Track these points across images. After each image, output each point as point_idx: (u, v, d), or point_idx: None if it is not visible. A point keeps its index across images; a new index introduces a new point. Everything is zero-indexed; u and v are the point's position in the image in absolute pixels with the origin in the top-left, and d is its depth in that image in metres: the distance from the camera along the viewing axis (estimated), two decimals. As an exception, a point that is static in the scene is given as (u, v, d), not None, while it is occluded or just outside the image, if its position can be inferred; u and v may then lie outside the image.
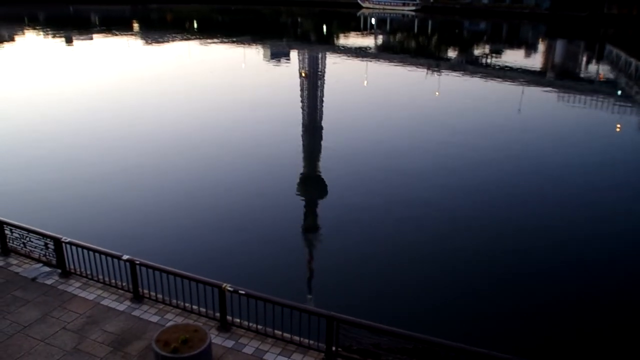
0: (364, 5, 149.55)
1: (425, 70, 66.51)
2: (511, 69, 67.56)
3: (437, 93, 51.94)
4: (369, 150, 32.28)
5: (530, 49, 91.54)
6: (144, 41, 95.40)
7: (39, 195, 25.19)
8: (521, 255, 20.15)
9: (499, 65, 71.35)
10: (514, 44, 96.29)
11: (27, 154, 31.68)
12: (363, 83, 57.80)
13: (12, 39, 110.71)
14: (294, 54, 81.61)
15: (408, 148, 33.18)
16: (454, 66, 70.48)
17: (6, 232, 15.86)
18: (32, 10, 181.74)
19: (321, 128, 39.07)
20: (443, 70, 66.53)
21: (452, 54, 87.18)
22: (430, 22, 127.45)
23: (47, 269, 15.06)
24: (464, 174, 28.47)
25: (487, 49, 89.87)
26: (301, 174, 28.73)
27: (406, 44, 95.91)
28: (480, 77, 61.50)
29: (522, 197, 25.85)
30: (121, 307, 13.35)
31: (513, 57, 78.47)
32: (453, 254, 19.93)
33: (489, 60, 77.10)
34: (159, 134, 36.45)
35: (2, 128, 38.00)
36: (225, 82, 56.39)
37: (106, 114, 41.80)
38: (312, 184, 27.55)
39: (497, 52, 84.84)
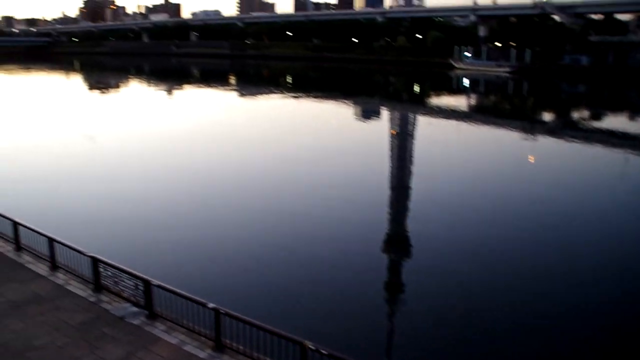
0: (457, 65, 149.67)
1: (520, 133, 65.07)
2: (614, 134, 64.49)
3: (531, 158, 50.14)
4: (458, 214, 31.53)
5: (637, 113, 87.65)
6: (239, 94, 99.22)
7: (133, 232, 26.32)
8: None
9: (600, 130, 68.71)
10: (618, 108, 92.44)
11: (123, 189, 33.45)
12: (454, 144, 57.05)
13: (117, 87, 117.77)
14: (384, 112, 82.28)
15: (497, 214, 32.12)
16: (550, 130, 68.64)
17: (100, 269, 16.51)
18: (139, 62, 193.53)
19: (409, 188, 38.74)
20: (539, 134, 64.87)
21: (548, 117, 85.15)
22: (525, 84, 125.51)
23: (135, 309, 15.47)
24: (562, 250, 27.22)
25: (586, 113, 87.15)
26: (387, 233, 28.42)
27: (500, 106, 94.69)
28: (579, 142, 59.41)
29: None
30: (202, 355, 13.43)
31: (616, 122, 75.57)
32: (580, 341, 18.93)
33: (588, 124, 74.53)
34: (245, 182, 37.46)
35: (98, 164, 40.31)
36: (315, 137, 57.27)
37: (198, 157, 43.51)
38: (397, 244, 27.20)
39: (597, 115, 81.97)
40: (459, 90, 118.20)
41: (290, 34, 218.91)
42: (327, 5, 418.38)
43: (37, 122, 66.41)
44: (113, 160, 44.23)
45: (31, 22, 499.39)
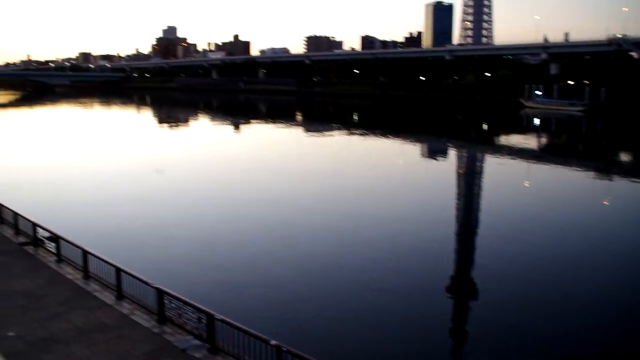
0: (527, 104, 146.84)
1: (594, 174, 62.92)
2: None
3: (606, 202, 48.20)
4: (526, 261, 30.41)
5: None
6: (305, 130, 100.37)
7: (199, 263, 26.74)
8: None
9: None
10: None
11: (191, 219, 34.18)
12: (523, 186, 55.56)
13: (186, 121, 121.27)
14: (452, 151, 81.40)
15: (567, 254, 30.92)
16: (628, 171, 66.17)
17: (165, 301, 16.72)
18: (208, 98, 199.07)
19: (475, 232, 37.79)
20: (614, 175, 62.57)
21: (626, 157, 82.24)
22: (600, 123, 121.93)
23: (197, 342, 15.52)
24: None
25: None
26: (451, 276, 27.78)
27: (573, 146, 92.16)
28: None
29: None
30: (263, 391, 13.32)
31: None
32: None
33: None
34: (310, 215, 37.65)
35: (167, 194, 41.36)
36: (380, 174, 57.05)
37: (264, 189, 44.07)
38: (461, 288, 26.54)
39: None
40: (529, 129, 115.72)
41: (357, 72, 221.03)
42: (395, 43, 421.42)
43: (109, 153, 69.02)
44: (181, 191, 45.63)
45: (106, 58, 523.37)
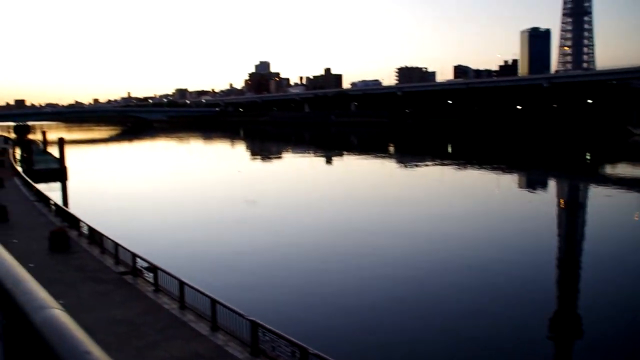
0: (635, 132, 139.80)
1: None
2: None
3: None
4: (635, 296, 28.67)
5: None
6: (398, 162, 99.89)
7: (295, 294, 26.82)
8: None
9: None
10: None
11: (285, 252, 34.35)
12: (634, 219, 52.52)
13: (278, 154, 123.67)
14: (553, 182, 78.46)
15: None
16: None
17: (259, 333, 16.80)
18: (300, 131, 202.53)
19: (579, 263, 35.98)
20: None
21: None
22: None
23: (291, 376, 15.46)
24: None
25: None
26: (554, 309, 26.50)
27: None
28: None
29: None
30: None
31: None
32: None
33: None
34: (400, 247, 36.97)
35: (260, 226, 41.95)
36: (475, 206, 55.66)
37: (359, 221, 43.88)
38: (561, 330, 25.24)
39: None
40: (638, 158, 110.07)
41: (450, 102, 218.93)
42: (489, 72, 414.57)
43: (205, 184, 71.31)
44: (273, 222, 46.28)
45: (202, 93, 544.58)
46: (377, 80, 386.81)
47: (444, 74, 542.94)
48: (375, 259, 34.36)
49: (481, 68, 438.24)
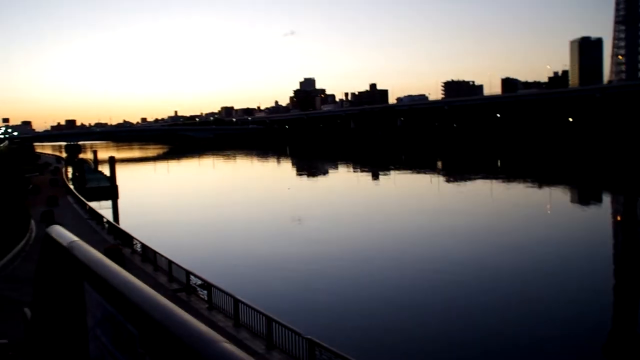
0: None
1: None
2: None
3: None
4: None
5: None
6: (446, 178, 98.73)
7: (350, 312, 26.57)
8: None
9: None
10: None
11: (340, 270, 34.13)
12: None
13: (325, 171, 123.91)
14: (609, 198, 76.12)
15: None
16: None
17: (315, 352, 16.64)
18: (346, 147, 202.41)
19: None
20: None
21: None
22: None
23: (350, 396, 15.24)
24: None
25: None
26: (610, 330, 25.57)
27: None
28: None
29: None
30: None
31: None
32: None
33: None
34: (464, 269, 36.35)
35: (308, 243, 41.84)
36: (527, 224, 54.39)
37: (408, 241, 43.40)
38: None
39: None
40: None
41: (499, 116, 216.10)
42: (538, 84, 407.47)
43: (252, 201, 71.88)
44: (322, 241, 46.11)
45: (247, 111, 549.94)
46: (423, 95, 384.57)
47: (492, 88, 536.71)
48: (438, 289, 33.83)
49: (530, 80, 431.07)
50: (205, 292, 24.34)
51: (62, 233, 3.93)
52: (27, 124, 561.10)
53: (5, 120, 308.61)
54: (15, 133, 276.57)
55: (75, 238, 3.68)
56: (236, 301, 21.17)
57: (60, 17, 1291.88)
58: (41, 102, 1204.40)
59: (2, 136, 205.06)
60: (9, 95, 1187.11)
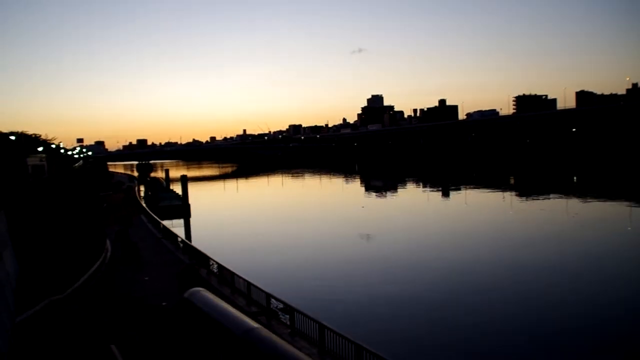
0: None
1: None
2: None
3: None
4: None
5: None
6: (518, 196, 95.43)
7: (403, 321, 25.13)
8: None
9: None
10: None
11: (402, 285, 32.63)
12: None
13: (395, 189, 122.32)
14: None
15: None
16: None
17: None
18: (415, 163, 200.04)
19: None
20: None
21: None
22: None
23: None
24: None
25: None
26: None
27: None
28: None
29: None
30: None
31: None
32: None
33: None
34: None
35: (370, 259, 40.47)
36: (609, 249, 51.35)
37: (473, 259, 41.52)
38: None
39: None
40: None
41: (574, 130, 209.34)
42: (615, 96, 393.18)
43: (329, 221, 71.11)
44: (385, 257, 45.12)
45: (315, 129, 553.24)
46: (494, 110, 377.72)
47: (566, 102, 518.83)
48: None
49: (606, 93, 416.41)
50: (287, 316, 23.35)
51: (230, 316, 2.96)
52: (100, 143, 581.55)
53: (80, 140, 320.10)
54: (90, 153, 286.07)
55: (254, 325, 2.70)
56: (322, 327, 20.00)
57: (130, 41, 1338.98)
58: (113, 122, 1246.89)
59: (77, 156, 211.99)
60: (83, 116, 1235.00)
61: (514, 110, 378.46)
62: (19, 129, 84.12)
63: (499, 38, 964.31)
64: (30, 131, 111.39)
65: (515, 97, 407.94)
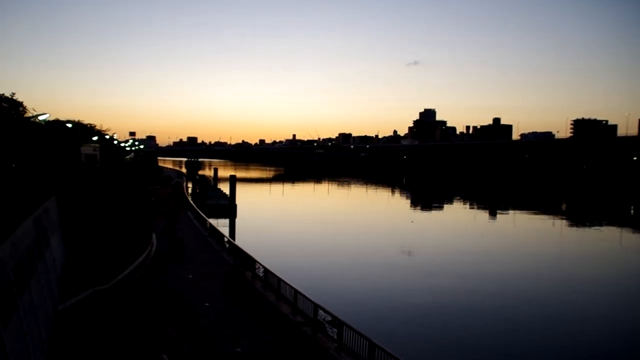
0: None
1: None
2: None
3: None
4: None
5: None
6: (570, 224, 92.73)
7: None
8: None
9: None
10: None
11: (450, 301, 31.50)
12: None
13: (441, 206, 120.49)
14: None
15: None
16: None
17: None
18: (464, 181, 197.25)
19: None
20: None
21: None
22: None
23: None
24: None
25: None
26: None
27: None
28: None
29: None
30: None
31: None
32: None
33: None
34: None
35: (417, 274, 39.32)
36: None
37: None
38: None
39: None
40: None
41: (635, 158, 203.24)
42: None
43: (378, 234, 70.22)
44: (427, 273, 44.22)
45: (365, 139, 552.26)
46: (549, 132, 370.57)
47: (628, 128, 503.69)
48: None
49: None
50: (334, 329, 22.48)
51: None
52: (151, 138, 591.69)
53: (132, 133, 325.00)
54: (141, 146, 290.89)
55: None
56: (372, 345, 19.02)
57: (184, 40, 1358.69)
58: (165, 118, 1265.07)
59: (128, 148, 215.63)
60: (136, 110, 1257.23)
61: (571, 134, 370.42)
62: (76, 118, 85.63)
63: (559, 58, 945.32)
64: (86, 121, 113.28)
65: (574, 121, 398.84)
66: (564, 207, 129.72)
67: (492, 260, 54.83)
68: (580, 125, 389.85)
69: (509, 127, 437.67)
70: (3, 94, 53.07)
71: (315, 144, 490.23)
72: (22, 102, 57.25)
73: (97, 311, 25.53)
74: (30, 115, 56.81)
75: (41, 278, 21.35)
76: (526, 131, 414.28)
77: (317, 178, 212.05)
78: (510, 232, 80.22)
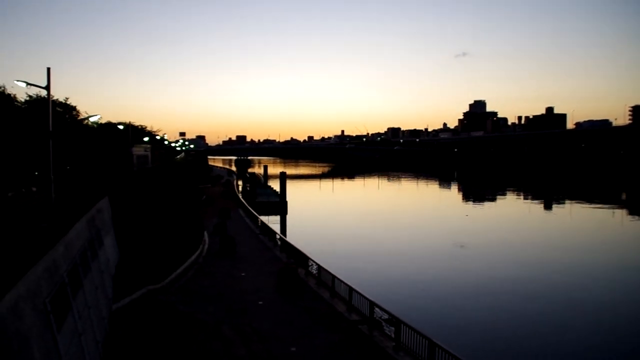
0: None
1: None
2: None
3: None
4: None
5: None
6: (633, 216, 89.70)
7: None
8: None
9: None
10: None
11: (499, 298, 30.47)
12: None
13: (493, 199, 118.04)
14: None
15: None
16: None
17: None
18: (517, 172, 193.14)
19: None
20: None
21: None
22: None
23: None
24: None
25: None
26: None
27: None
28: None
29: None
30: None
31: None
32: None
33: None
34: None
35: (472, 269, 38.23)
36: None
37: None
38: None
39: None
40: None
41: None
42: None
43: (434, 228, 69.20)
44: (485, 269, 42.83)
45: (414, 132, 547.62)
46: (606, 120, 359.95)
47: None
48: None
49: None
50: (392, 328, 21.86)
51: None
52: (201, 138, 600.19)
53: (182, 133, 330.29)
54: (192, 146, 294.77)
55: None
56: (432, 344, 18.36)
57: (234, 41, 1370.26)
58: (214, 118, 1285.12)
59: (179, 148, 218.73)
60: (186, 111, 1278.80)
61: (630, 121, 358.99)
62: (128, 120, 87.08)
63: (614, 43, 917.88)
64: (137, 123, 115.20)
65: (632, 107, 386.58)
66: (624, 197, 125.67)
67: (555, 256, 53.13)
68: (639, 111, 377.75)
69: (562, 116, 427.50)
70: (57, 99, 54.27)
71: (364, 139, 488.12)
72: (75, 106, 58.46)
73: (151, 310, 25.55)
74: (82, 117, 57.88)
75: (95, 278, 21.39)
76: (581, 119, 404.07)
77: (367, 173, 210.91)
78: (568, 225, 77.92)
